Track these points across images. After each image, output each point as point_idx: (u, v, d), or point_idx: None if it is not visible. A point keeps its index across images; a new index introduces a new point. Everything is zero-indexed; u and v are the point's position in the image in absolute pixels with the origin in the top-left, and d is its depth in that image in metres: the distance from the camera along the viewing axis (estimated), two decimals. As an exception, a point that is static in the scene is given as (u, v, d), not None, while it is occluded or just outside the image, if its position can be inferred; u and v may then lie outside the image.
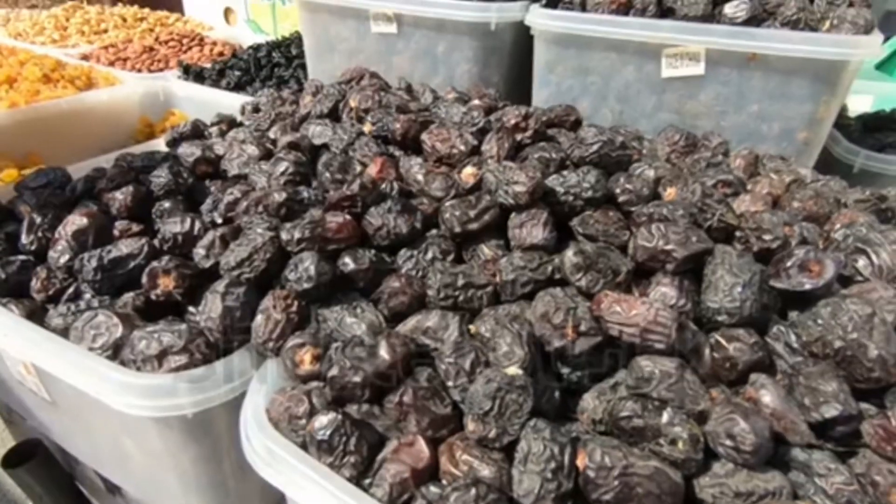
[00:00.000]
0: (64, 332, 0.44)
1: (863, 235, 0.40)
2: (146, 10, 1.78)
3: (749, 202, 0.45)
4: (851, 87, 1.26)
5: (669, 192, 0.44)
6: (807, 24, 0.66)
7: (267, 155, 0.59)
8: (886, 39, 1.77)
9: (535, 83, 0.84)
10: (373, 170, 0.49)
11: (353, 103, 0.63)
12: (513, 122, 0.49)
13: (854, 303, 0.33)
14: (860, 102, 1.26)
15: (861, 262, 0.39)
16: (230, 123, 0.79)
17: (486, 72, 0.87)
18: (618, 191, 0.44)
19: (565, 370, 0.36)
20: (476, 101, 0.61)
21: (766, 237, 0.40)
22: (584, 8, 0.76)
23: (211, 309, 0.39)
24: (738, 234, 0.42)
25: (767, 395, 0.32)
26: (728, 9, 0.68)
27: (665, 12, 0.73)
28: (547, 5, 0.79)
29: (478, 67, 0.86)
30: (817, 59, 0.64)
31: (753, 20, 0.67)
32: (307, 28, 1.00)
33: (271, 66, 1.17)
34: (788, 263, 0.37)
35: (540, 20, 0.77)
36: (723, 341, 0.35)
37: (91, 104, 1.07)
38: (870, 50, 0.63)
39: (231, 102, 1.08)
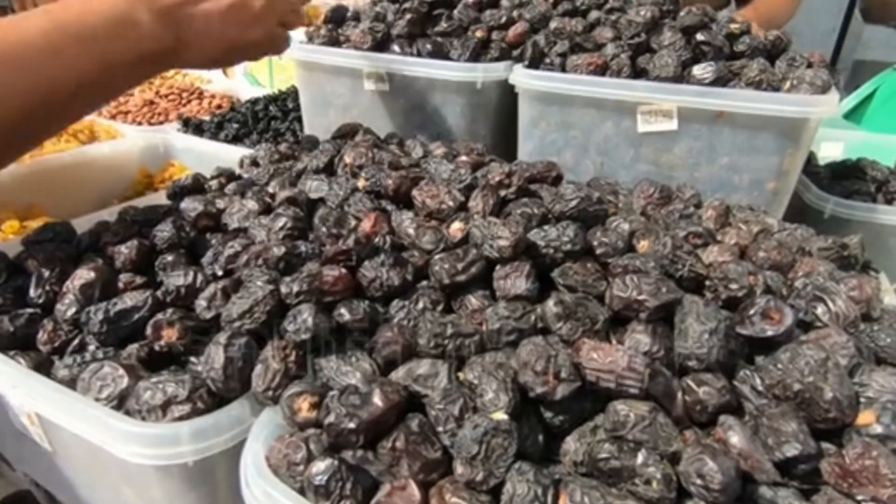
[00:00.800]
0: (70, 383, 0.46)
1: (820, 284, 0.44)
2: (147, 64, 1.84)
3: (717, 253, 0.49)
4: (822, 135, 1.32)
5: (643, 245, 0.47)
6: (769, 85, 0.71)
7: (266, 209, 0.63)
8: (855, 88, 1.88)
9: (520, 136, 0.89)
10: (367, 225, 0.53)
11: (347, 160, 0.67)
12: (497, 179, 0.53)
13: (810, 348, 0.36)
14: (831, 149, 1.32)
15: (820, 309, 0.43)
16: (229, 177, 0.82)
17: (473, 126, 0.92)
18: (595, 243, 0.47)
19: (548, 414, 0.38)
20: (463, 158, 0.65)
21: (733, 286, 0.44)
22: (563, 69, 0.81)
23: (214, 360, 0.41)
24: (707, 283, 0.46)
25: (735, 436, 0.34)
26: (696, 70, 0.73)
27: (639, 73, 0.79)
28: (529, 66, 0.84)
29: (466, 122, 0.91)
30: (780, 117, 0.69)
31: (720, 81, 0.72)
32: (304, 85, 1.05)
33: (268, 119, 1.22)
34: (751, 312, 0.40)
35: (523, 80, 0.82)
36: (693, 385, 0.38)
37: (93, 156, 1.11)
38: (827, 108, 0.68)
39: (229, 154, 1.13)
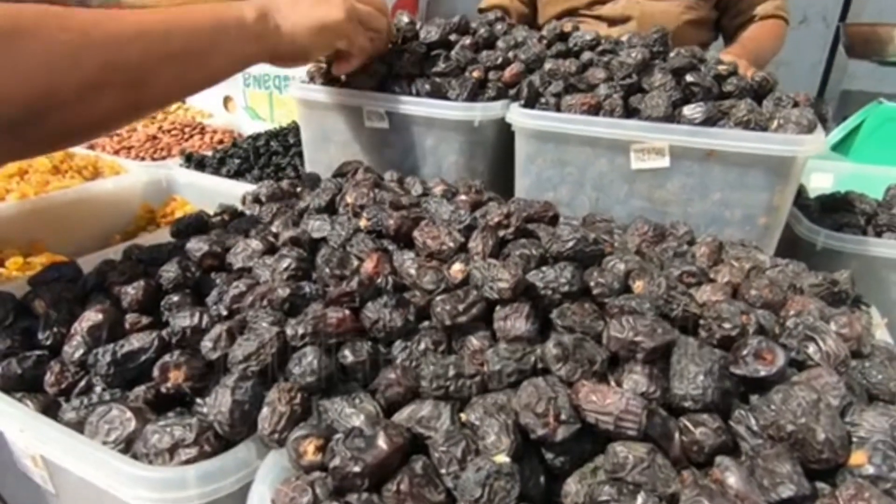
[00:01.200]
0: (77, 426, 0.46)
1: (811, 324, 0.45)
2: (149, 99, 1.88)
3: (710, 292, 0.50)
4: (812, 166, 1.35)
5: (638, 285, 0.49)
6: (757, 124, 0.74)
7: (270, 248, 0.64)
8: (843, 118, 1.92)
9: (517, 172, 0.91)
10: (369, 265, 0.54)
11: (349, 199, 0.69)
12: (496, 220, 0.55)
13: (802, 389, 0.37)
14: (821, 180, 1.35)
15: (811, 349, 0.44)
16: (232, 214, 0.84)
17: (471, 162, 0.94)
18: (592, 284, 0.49)
19: (549, 456, 0.39)
20: (462, 197, 0.67)
21: (726, 325, 0.45)
22: (558, 108, 0.84)
23: (220, 403, 0.42)
24: (701, 322, 0.47)
25: (731, 477, 0.35)
26: (686, 110, 0.76)
27: (631, 112, 0.81)
28: (525, 105, 0.87)
29: (464, 159, 0.93)
30: (768, 155, 0.71)
31: (709, 120, 0.75)
32: (305, 122, 1.07)
33: (269, 154, 1.24)
34: (744, 352, 0.41)
35: (519, 119, 0.85)
36: (690, 426, 0.39)
37: (96, 192, 1.13)
38: (813, 147, 0.70)
39: (231, 190, 1.15)
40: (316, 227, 0.66)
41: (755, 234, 0.77)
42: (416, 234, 0.56)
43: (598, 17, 1.53)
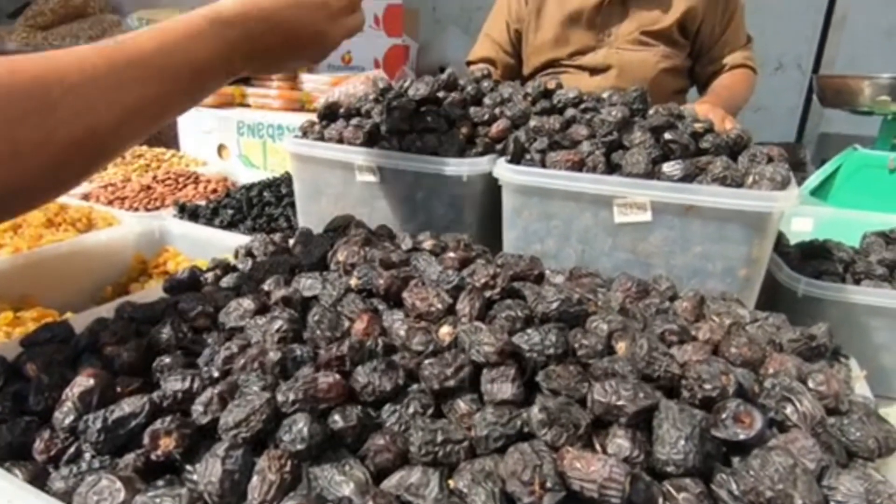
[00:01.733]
0: (66, 496, 0.46)
1: (787, 385, 0.46)
2: (144, 147, 1.91)
3: (691, 351, 0.51)
4: (792, 211, 1.39)
5: (620, 347, 0.50)
6: (733, 180, 0.77)
7: (262, 308, 0.65)
8: (822, 163, 1.98)
9: (504, 225, 0.93)
10: (359, 326, 0.55)
11: (340, 258, 0.70)
12: (483, 280, 0.56)
13: (779, 454, 0.38)
14: (801, 224, 1.39)
15: (789, 409, 0.45)
16: (225, 268, 0.85)
17: (461, 215, 0.96)
18: (576, 345, 0.50)
19: (536, 523, 0.39)
20: (451, 254, 0.69)
21: (707, 386, 0.46)
22: (543, 164, 0.87)
23: (211, 473, 0.43)
24: (683, 382, 0.48)
25: (714, 544, 0.36)
26: (666, 167, 0.79)
27: (613, 168, 0.84)
28: (512, 161, 0.90)
29: (453, 211, 0.96)
30: (745, 211, 0.74)
31: (688, 177, 0.78)
32: (298, 175, 1.10)
33: (262, 204, 1.27)
34: (724, 415, 0.42)
35: (506, 174, 0.87)
36: (673, 491, 0.39)
37: (90, 245, 1.14)
38: (787, 203, 0.73)
39: (224, 240, 1.16)
40: (308, 285, 0.67)
41: (736, 286, 0.79)
42: (405, 294, 0.58)
43: (580, 67, 1.60)
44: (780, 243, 1.04)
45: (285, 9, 0.68)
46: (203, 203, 1.32)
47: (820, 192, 1.51)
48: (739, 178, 0.77)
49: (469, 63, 1.82)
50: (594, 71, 1.60)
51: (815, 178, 1.52)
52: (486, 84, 1.07)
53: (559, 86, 1.02)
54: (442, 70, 3.17)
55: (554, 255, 0.89)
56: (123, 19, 2.19)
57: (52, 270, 1.06)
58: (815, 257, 0.99)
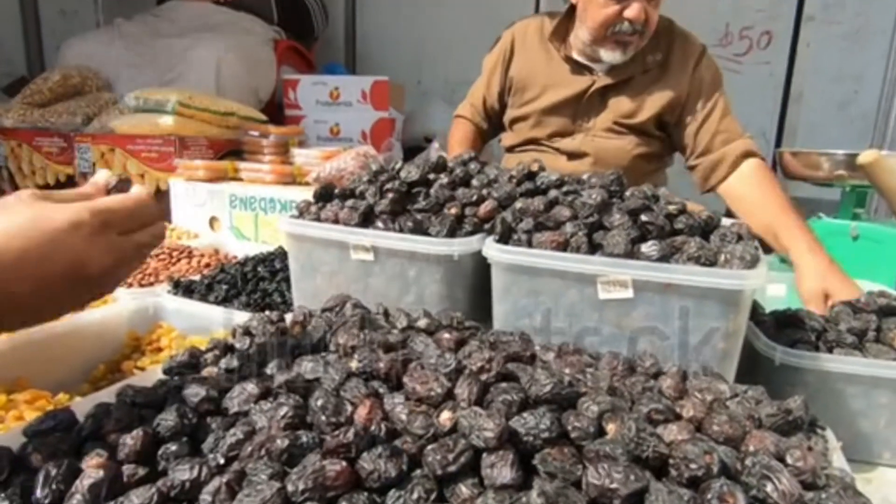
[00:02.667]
0: None
1: (766, 464, 0.50)
2: (136, 221, 1.94)
3: (676, 431, 0.55)
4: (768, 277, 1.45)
5: (611, 428, 0.53)
6: (706, 259, 0.83)
7: (265, 392, 0.67)
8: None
9: (494, 300, 0.98)
10: (362, 412, 0.58)
11: (341, 340, 0.73)
12: (479, 364, 0.60)
13: (762, 534, 0.41)
14: (776, 290, 1.46)
15: (769, 487, 0.48)
16: (224, 349, 0.87)
17: (452, 291, 1.00)
18: (570, 428, 0.53)
19: None
20: (446, 335, 0.72)
21: (692, 466, 0.49)
22: (530, 244, 0.92)
23: (224, 566, 0.44)
24: (670, 461, 0.51)
25: None
26: (644, 248, 0.85)
27: (595, 247, 0.90)
28: (500, 240, 0.95)
29: (445, 288, 1.00)
30: (718, 289, 0.79)
31: (665, 257, 0.83)
32: (293, 253, 1.14)
33: (256, 279, 1.30)
34: (709, 495, 0.45)
35: (494, 254, 0.92)
36: (666, 572, 0.42)
37: (84, 324, 1.15)
38: (757, 281, 0.79)
39: (218, 316, 1.18)
40: (309, 368, 0.69)
41: (716, 358, 0.83)
42: (406, 379, 0.61)
43: (558, 150, 1.68)
44: (757, 312, 1.09)
45: (23, 250, 0.53)
46: (197, 278, 1.35)
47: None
48: (712, 256, 0.83)
49: (456, 115, 1.93)
50: (571, 155, 1.66)
51: (785, 245, 1.60)
52: (472, 166, 1.14)
53: (542, 168, 1.09)
54: (427, 140, 3.29)
55: (542, 329, 0.93)
56: (121, 97, 2.28)
57: (46, 351, 1.07)
58: (789, 326, 1.04)
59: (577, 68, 1.65)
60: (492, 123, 1.88)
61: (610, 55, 1.56)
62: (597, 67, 1.64)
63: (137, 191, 0.65)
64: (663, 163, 1.74)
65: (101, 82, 2.47)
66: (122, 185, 0.66)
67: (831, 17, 2.65)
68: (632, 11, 1.47)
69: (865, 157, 1.12)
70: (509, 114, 1.80)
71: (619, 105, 1.62)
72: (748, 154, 1.52)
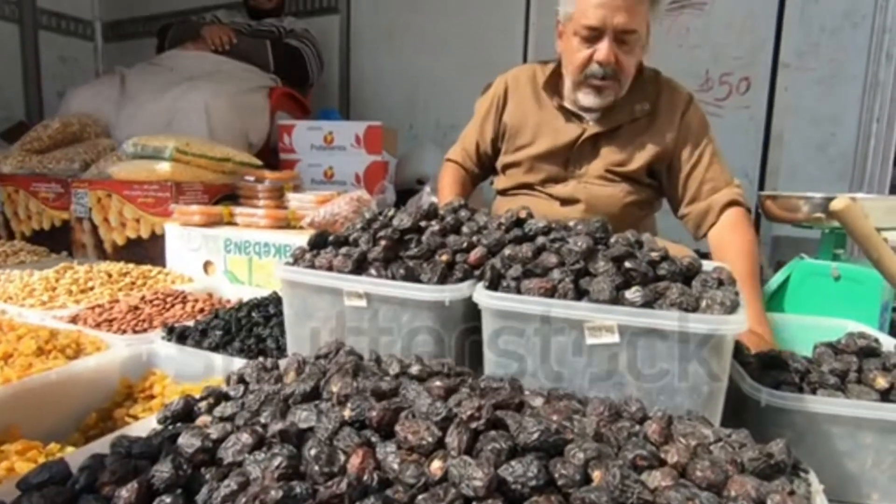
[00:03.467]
0: None
1: (746, 510, 0.52)
2: (130, 266, 1.96)
3: (660, 477, 0.57)
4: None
5: (597, 475, 0.55)
6: (688, 305, 0.86)
7: (259, 441, 0.68)
8: (778, 264, 2.12)
9: (485, 345, 1.00)
10: (355, 461, 0.59)
11: (334, 388, 0.75)
12: (469, 413, 0.62)
13: (741, 580, 0.43)
14: (761, 329, 1.48)
15: (750, 533, 0.50)
16: (218, 397, 0.88)
17: (443, 336, 1.02)
18: (557, 475, 0.55)
19: None
20: (437, 383, 0.74)
21: (676, 512, 0.51)
22: (518, 290, 0.95)
23: None
24: (655, 508, 0.53)
25: None
26: (628, 294, 0.87)
27: (581, 293, 0.92)
28: (489, 287, 0.98)
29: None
30: (700, 333, 0.82)
31: (648, 303, 0.86)
32: (288, 299, 1.16)
33: (251, 325, 1.31)
34: (691, 542, 0.47)
35: (484, 300, 0.95)
36: None
37: (78, 371, 1.15)
38: (737, 326, 0.81)
39: (213, 362, 1.19)
40: (303, 417, 0.71)
41: (701, 401, 0.85)
42: (397, 427, 0.62)
43: (551, 196, 1.71)
44: (741, 353, 1.12)
45: None
46: (191, 323, 1.36)
47: (776, 298, 1.62)
48: (694, 302, 0.86)
49: (447, 159, 1.96)
50: (564, 201, 1.69)
51: (771, 285, 1.64)
52: (463, 213, 1.18)
53: (530, 215, 1.13)
54: (420, 182, 3.34)
55: (532, 373, 0.95)
56: (119, 144, 2.32)
57: (39, 400, 1.07)
58: (773, 367, 1.07)
59: (569, 116, 1.69)
60: (483, 167, 1.92)
61: (587, 99, 1.61)
62: (587, 116, 1.68)
63: None
64: (653, 208, 1.77)
65: (99, 129, 2.53)
66: None
67: (805, 64, 2.77)
68: (600, 54, 1.53)
69: (837, 203, 1.17)
70: (502, 159, 1.83)
71: (611, 153, 1.66)
72: (732, 203, 1.57)
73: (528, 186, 1.76)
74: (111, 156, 2.32)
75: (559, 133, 1.70)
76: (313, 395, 0.79)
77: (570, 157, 1.69)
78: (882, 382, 0.95)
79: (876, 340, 1.07)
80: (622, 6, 1.47)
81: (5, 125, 3.60)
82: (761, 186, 2.97)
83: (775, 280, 1.64)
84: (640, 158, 1.64)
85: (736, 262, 1.42)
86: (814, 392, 1.00)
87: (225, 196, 2.27)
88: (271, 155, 2.89)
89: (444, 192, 1.84)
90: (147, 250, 2.14)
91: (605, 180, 1.67)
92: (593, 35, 1.52)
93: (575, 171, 1.70)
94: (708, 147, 1.63)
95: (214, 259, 1.96)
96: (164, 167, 2.08)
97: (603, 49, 1.52)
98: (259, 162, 2.40)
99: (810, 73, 2.78)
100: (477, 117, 1.89)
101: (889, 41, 2.61)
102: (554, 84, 1.72)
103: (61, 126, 2.43)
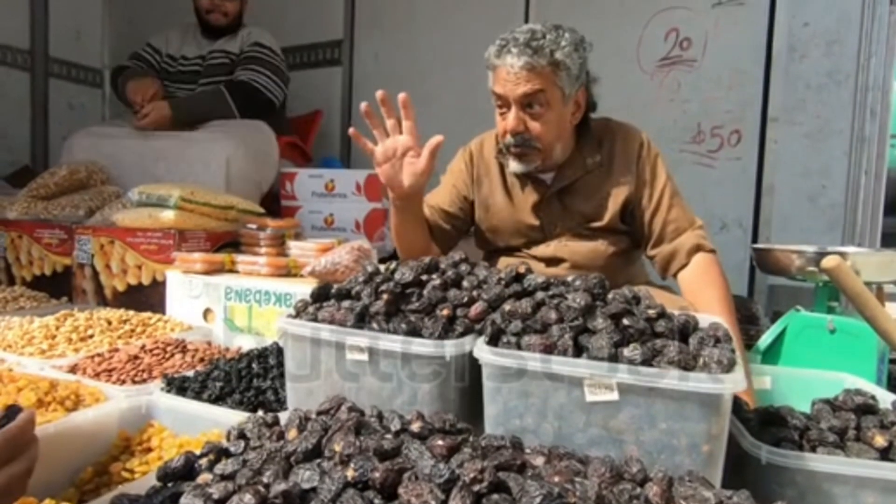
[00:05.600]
0: None
1: (748, 578, 0.52)
2: (130, 313, 1.97)
3: (663, 543, 0.57)
4: (753, 370, 1.48)
5: (599, 542, 0.55)
6: (685, 363, 0.87)
7: (262, 503, 0.68)
8: (775, 315, 2.13)
9: (485, 400, 1.00)
10: (359, 525, 0.59)
11: (337, 448, 0.75)
12: (471, 475, 0.62)
13: None
14: (761, 383, 1.49)
15: None
16: (219, 454, 0.88)
17: (444, 391, 1.03)
18: (559, 542, 0.55)
19: None
20: (439, 441, 0.75)
21: (679, 581, 0.51)
22: (519, 346, 0.96)
23: None
24: (658, 576, 0.53)
25: None
26: (626, 352, 0.89)
27: (581, 350, 0.94)
28: (490, 342, 1.00)
29: (437, 388, 1.02)
30: (698, 392, 0.83)
31: (646, 361, 0.88)
32: (289, 352, 1.17)
33: (250, 376, 1.31)
34: None
35: (485, 356, 0.96)
36: None
37: (76, 424, 1.15)
38: (734, 385, 0.83)
39: (212, 415, 1.19)
40: (306, 477, 0.71)
41: (701, 461, 0.86)
42: (401, 490, 0.63)
43: (534, 257, 1.72)
44: (741, 409, 1.12)
45: None
46: (191, 374, 1.36)
47: (772, 350, 1.63)
48: (691, 360, 0.88)
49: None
50: (549, 262, 1.69)
51: (767, 337, 1.65)
52: (463, 267, 1.20)
53: (529, 270, 1.15)
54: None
55: (533, 430, 0.95)
56: (125, 192, 2.36)
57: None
58: (773, 424, 1.07)
59: (527, 180, 1.71)
60: (455, 228, 1.85)
61: (514, 165, 1.64)
62: (543, 177, 1.70)
63: (22, 417, 0.66)
64: (637, 256, 1.78)
65: (105, 176, 2.57)
66: (11, 414, 0.70)
67: (793, 118, 2.86)
68: (508, 123, 1.55)
69: (827, 262, 1.20)
70: (479, 227, 1.83)
71: (579, 209, 1.68)
72: (698, 248, 1.59)
73: (515, 249, 1.77)
74: (116, 203, 2.36)
75: (525, 197, 1.71)
76: (315, 453, 0.79)
77: (542, 219, 1.71)
78: (881, 441, 0.96)
79: (873, 397, 1.08)
80: (517, 79, 1.50)
81: (10, 169, 3.66)
82: (755, 236, 3.02)
83: (771, 332, 1.65)
84: (609, 210, 1.65)
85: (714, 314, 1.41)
86: (814, 450, 1.00)
87: (227, 243, 2.29)
88: (273, 201, 2.93)
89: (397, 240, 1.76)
90: (147, 297, 2.15)
91: (582, 237, 1.68)
92: (504, 105, 1.57)
93: (552, 231, 1.70)
94: (667, 189, 1.65)
95: (214, 306, 1.97)
96: (167, 215, 2.11)
97: (509, 119, 1.56)
98: (261, 209, 2.44)
99: (798, 127, 2.87)
100: (445, 184, 1.87)
101: (872, 98, 2.71)
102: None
103: (68, 173, 2.48)
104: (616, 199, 1.66)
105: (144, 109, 2.70)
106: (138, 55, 3.05)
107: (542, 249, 1.71)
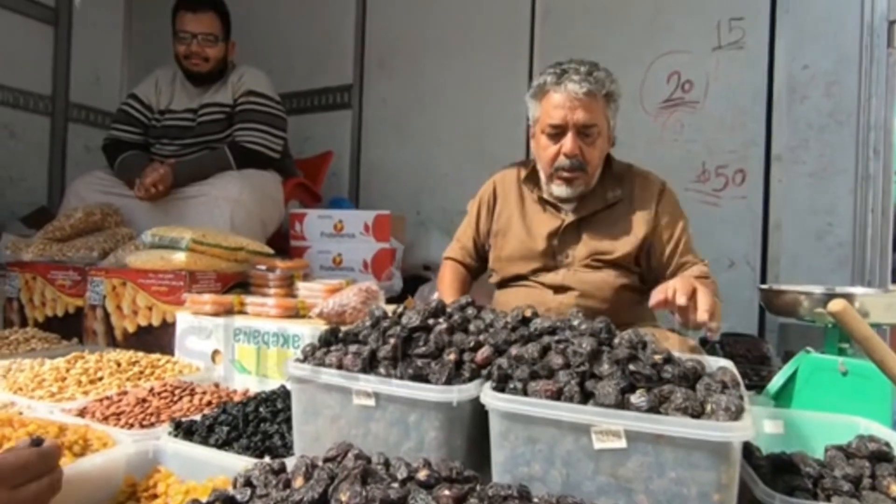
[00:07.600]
0: None
1: None
2: (140, 354, 1.98)
3: None
4: (764, 413, 1.46)
5: None
6: (693, 410, 0.87)
7: (267, 555, 0.68)
8: (786, 354, 2.10)
9: (492, 447, 1.00)
10: (364, 580, 0.59)
11: (343, 498, 0.75)
12: (478, 528, 0.62)
13: None
14: (773, 426, 1.46)
15: None
16: (225, 501, 0.88)
17: (451, 437, 1.03)
18: None
19: None
20: (446, 492, 0.74)
21: None
22: (525, 392, 0.96)
23: None
24: None
25: None
26: (633, 398, 0.89)
27: (587, 395, 0.94)
28: (496, 388, 1.00)
29: (444, 434, 1.02)
30: (707, 440, 0.82)
31: (654, 408, 0.87)
32: (297, 396, 1.17)
33: (258, 420, 1.31)
34: None
35: (491, 401, 0.96)
36: None
37: (84, 469, 1.14)
38: (743, 433, 0.82)
39: (219, 460, 1.19)
40: (311, 528, 0.71)
41: (713, 511, 0.84)
42: (407, 544, 0.62)
43: (543, 284, 1.77)
44: (753, 455, 1.10)
45: None
46: (199, 418, 1.36)
47: (784, 392, 1.61)
48: (699, 407, 0.87)
49: (446, 258, 2.09)
50: (557, 289, 1.77)
51: (777, 380, 1.63)
52: (469, 311, 1.21)
53: (535, 314, 1.16)
54: (426, 268, 3.40)
55: (541, 478, 0.94)
56: (138, 234, 2.41)
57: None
58: (785, 471, 1.05)
59: (548, 207, 1.85)
60: (481, 261, 2.06)
61: (559, 189, 1.77)
62: (564, 206, 1.83)
63: (51, 441, 0.71)
64: (646, 291, 1.81)
65: (119, 219, 2.62)
66: (38, 441, 0.76)
67: (796, 157, 2.89)
68: (565, 147, 1.68)
69: (833, 306, 1.20)
70: (494, 255, 1.96)
71: (593, 240, 1.79)
72: (704, 277, 1.70)
73: (523, 277, 1.84)
74: (129, 244, 2.40)
75: (542, 224, 1.83)
76: (321, 503, 0.79)
77: (555, 247, 1.81)
78: (896, 490, 0.94)
79: (887, 444, 1.06)
80: (578, 105, 1.65)
81: (27, 209, 3.74)
82: (763, 274, 3.00)
83: (783, 374, 1.63)
84: (623, 246, 1.75)
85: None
86: (829, 499, 0.98)
87: (236, 284, 2.32)
88: (282, 240, 2.97)
89: (445, 291, 1.94)
90: (157, 338, 2.16)
91: (593, 268, 1.76)
92: (557, 132, 1.70)
93: (563, 260, 1.80)
94: (684, 231, 1.78)
95: (223, 348, 1.98)
96: (179, 257, 2.15)
97: (567, 143, 1.68)
98: (270, 251, 2.47)
99: (802, 166, 2.89)
100: (471, 216, 2.06)
101: (875, 138, 2.74)
102: (534, 179, 1.88)
103: (84, 216, 2.53)
104: (631, 237, 1.75)
105: (152, 190, 2.62)
106: (126, 113, 2.92)
107: (552, 277, 1.79)
